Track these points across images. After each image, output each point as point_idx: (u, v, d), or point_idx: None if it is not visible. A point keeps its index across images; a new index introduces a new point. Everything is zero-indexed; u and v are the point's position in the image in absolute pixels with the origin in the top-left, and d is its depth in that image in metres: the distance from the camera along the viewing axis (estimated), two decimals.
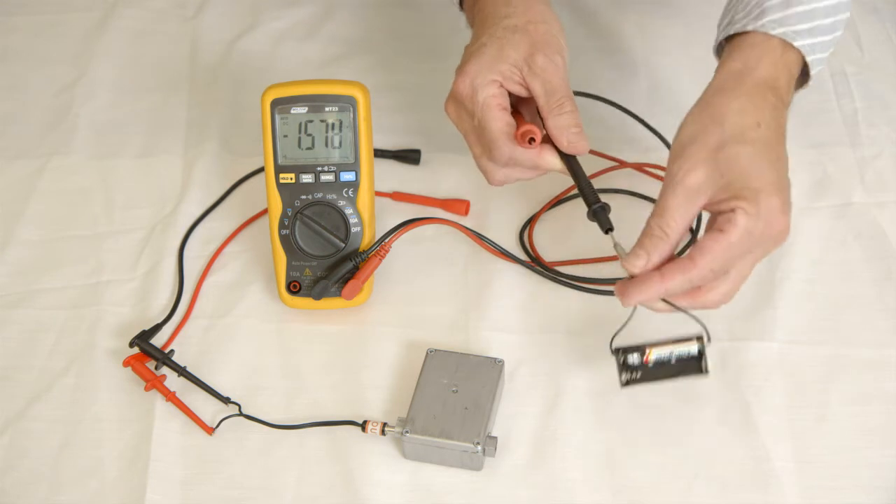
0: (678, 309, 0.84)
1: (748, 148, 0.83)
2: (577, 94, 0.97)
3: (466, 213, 1.04)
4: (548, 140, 0.92)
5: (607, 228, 0.87)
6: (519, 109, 0.95)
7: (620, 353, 0.85)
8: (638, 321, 0.86)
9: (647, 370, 0.85)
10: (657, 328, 0.86)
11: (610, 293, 0.97)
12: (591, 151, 1.03)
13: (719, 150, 0.83)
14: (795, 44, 0.88)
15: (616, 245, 0.85)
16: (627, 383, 0.85)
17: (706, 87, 0.88)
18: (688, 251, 0.83)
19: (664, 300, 0.84)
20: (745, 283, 0.85)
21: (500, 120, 0.91)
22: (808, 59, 0.89)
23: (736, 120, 0.84)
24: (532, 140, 0.90)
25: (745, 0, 0.90)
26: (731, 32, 0.90)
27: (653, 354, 0.85)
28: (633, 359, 0.85)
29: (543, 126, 0.91)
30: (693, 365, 0.85)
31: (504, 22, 0.94)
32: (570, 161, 0.91)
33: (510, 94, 0.93)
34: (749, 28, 0.88)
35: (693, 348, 0.85)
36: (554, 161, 0.92)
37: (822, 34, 0.89)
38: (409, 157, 1.10)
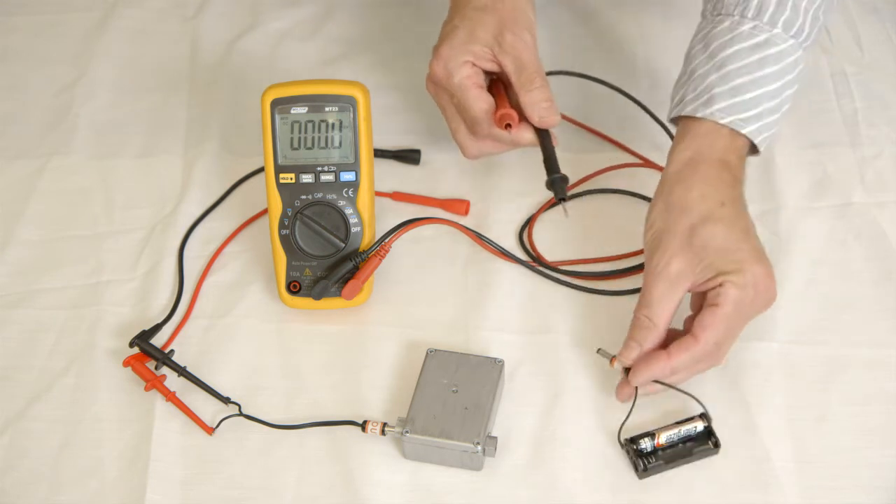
0: (672, 388, 0.87)
1: (719, 226, 0.87)
2: (576, 74, 1.06)
3: (466, 213, 1.04)
4: (524, 116, 0.96)
5: (561, 198, 0.93)
6: (497, 84, 0.99)
7: (631, 443, 0.86)
8: (639, 404, 0.88)
9: (662, 455, 0.85)
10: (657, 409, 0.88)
11: (610, 293, 0.97)
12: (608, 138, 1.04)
13: (693, 236, 0.87)
14: (743, 131, 0.91)
15: (600, 350, 0.90)
16: (646, 470, 0.85)
17: (662, 176, 0.92)
18: (690, 330, 0.87)
19: (658, 381, 0.87)
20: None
21: (479, 99, 0.96)
22: (756, 140, 0.92)
23: (700, 205, 0.88)
24: (509, 126, 0.95)
25: (695, 81, 0.93)
26: (683, 114, 0.93)
27: (662, 437, 0.86)
28: (646, 445, 0.86)
29: (518, 100, 0.96)
30: (704, 443, 0.86)
31: (473, 2, 0.98)
32: (541, 133, 0.96)
33: (486, 71, 0.97)
34: (699, 115, 0.91)
35: (700, 425, 0.86)
36: (529, 137, 0.97)
37: (769, 115, 0.92)
38: (409, 157, 1.10)
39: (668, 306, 0.87)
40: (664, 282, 0.87)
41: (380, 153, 1.09)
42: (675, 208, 0.89)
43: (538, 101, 0.95)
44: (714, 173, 0.90)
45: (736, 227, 0.88)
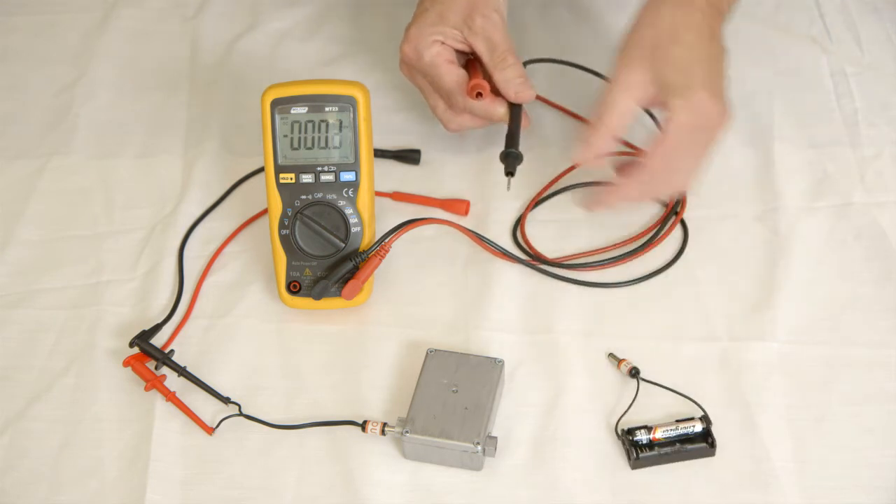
0: (671, 390, 0.89)
1: (679, 48, 0.91)
2: (557, 61, 1.11)
3: (466, 213, 1.04)
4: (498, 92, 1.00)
5: (508, 172, 0.97)
6: (472, 64, 1.03)
7: (627, 433, 0.86)
8: (640, 406, 0.88)
9: (656, 449, 0.86)
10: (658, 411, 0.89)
11: (609, 284, 0.97)
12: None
13: (655, 51, 0.91)
14: None
15: (611, 355, 0.93)
16: (638, 459, 0.85)
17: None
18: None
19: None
20: (703, 164, 0.94)
21: (451, 74, 1.01)
22: None
23: (667, 24, 0.92)
24: (480, 94, 0.99)
25: None
26: None
27: (659, 432, 0.86)
28: (641, 437, 0.86)
29: (492, 80, 1.00)
30: (700, 443, 0.86)
31: None
32: (513, 110, 1.00)
33: (458, 51, 1.02)
34: None
35: (698, 426, 0.86)
36: (502, 111, 1.01)
37: None
38: (410, 157, 1.10)
39: (617, 109, 0.91)
40: (619, 87, 0.92)
41: (380, 153, 1.09)
42: (645, 26, 0.93)
43: (512, 78, 1.00)
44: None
45: (698, 53, 0.91)
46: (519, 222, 1.03)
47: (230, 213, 1.06)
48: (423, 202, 1.06)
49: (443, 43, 1.01)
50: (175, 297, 0.99)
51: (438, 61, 1.01)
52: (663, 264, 0.99)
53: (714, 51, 0.93)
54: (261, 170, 1.08)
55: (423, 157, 1.10)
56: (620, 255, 1.00)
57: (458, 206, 1.05)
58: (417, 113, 1.14)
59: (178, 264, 1.01)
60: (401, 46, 1.02)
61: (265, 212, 1.02)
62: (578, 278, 0.98)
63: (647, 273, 0.99)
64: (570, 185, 1.06)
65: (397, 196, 1.06)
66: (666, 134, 0.90)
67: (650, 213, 1.04)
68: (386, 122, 1.10)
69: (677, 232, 1.02)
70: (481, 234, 1.00)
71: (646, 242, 1.01)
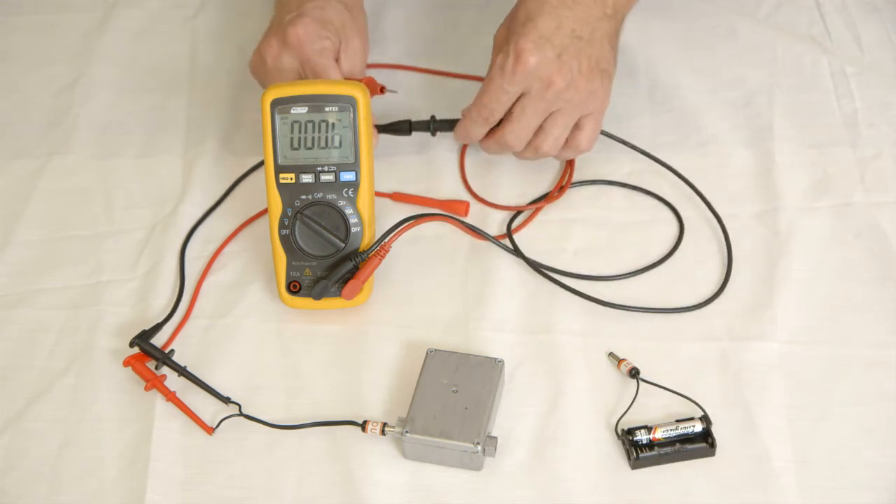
0: (671, 391, 0.89)
1: (532, 4, 0.97)
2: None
3: (466, 213, 1.04)
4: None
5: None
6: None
7: (627, 434, 0.86)
8: (640, 406, 0.88)
9: (656, 449, 0.86)
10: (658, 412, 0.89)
11: (605, 278, 0.97)
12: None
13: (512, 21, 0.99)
14: None
15: (611, 354, 0.93)
16: (638, 459, 0.85)
17: None
18: None
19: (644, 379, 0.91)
20: (533, 129, 0.99)
21: (335, 71, 1.02)
22: None
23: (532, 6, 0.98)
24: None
25: None
26: None
27: (659, 432, 0.86)
28: (641, 437, 0.86)
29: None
30: (700, 443, 0.86)
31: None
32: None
33: None
34: None
35: (698, 426, 0.86)
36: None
37: None
38: (400, 128, 1.09)
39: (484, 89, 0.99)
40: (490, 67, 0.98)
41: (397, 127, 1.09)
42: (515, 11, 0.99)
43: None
44: None
45: (550, 10, 0.96)
46: (514, 218, 1.03)
47: (230, 213, 1.06)
48: (423, 202, 1.06)
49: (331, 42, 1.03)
50: (176, 296, 0.99)
51: (329, 55, 1.02)
52: (658, 258, 1.00)
53: (576, 13, 0.97)
54: (260, 164, 1.08)
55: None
56: (624, 275, 1.00)
57: (458, 207, 1.04)
58: (417, 113, 1.14)
59: (179, 264, 1.01)
60: (286, 31, 1.01)
61: (265, 212, 1.02)
62: (564, 280, 0.99)
63: (644, 266, 0.99)
64: (577, 183, 1.06)
65: (397, 196, 1.06)
66: (487, 75, 0.97)
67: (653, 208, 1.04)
68: (386, 122, 1.10)
69: (674, 228, 1.02)
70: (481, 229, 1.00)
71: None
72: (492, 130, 1.02)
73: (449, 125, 1.07)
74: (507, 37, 0.98)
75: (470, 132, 1.02)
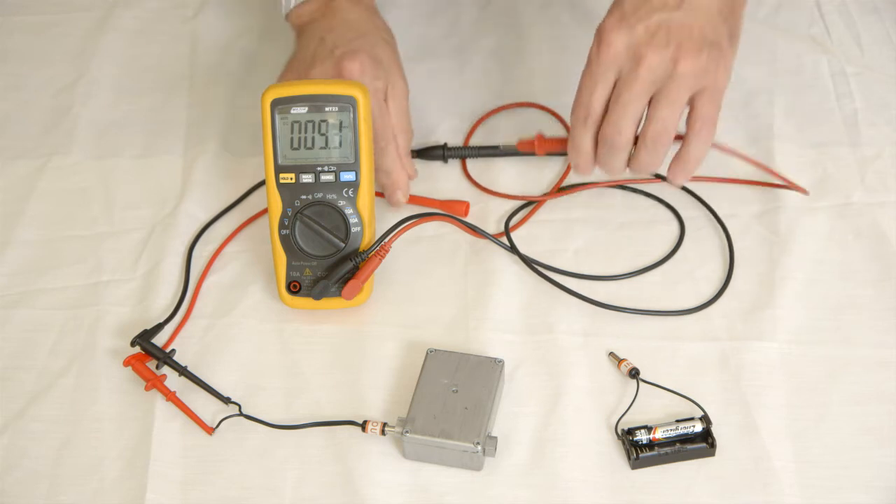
0: (670, 391, 0.88)
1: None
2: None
3: (466, 214, 1.04)
4: None
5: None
6: None
7: (627, 434, 0.86)
8: (640, 406, 0.88)
9: (656, 449, 0.85)
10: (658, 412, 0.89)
11: (605, 278, 0.97)
12: None
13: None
14: None
15: (612, 354, 0.93)
16: (637, 459, 0.85)
17: None
18: None
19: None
20: (635, 117, 0.90)
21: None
22: None
23: None
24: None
25: None
26: None
27: (659, 432, 0.86)
28: (641, 437, 0.86)
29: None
30: (700, 443, 0.86)
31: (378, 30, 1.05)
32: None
33: None
34: None
35: (698, 426, 0.86)
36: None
37: None
38: (434, 153, 1.09)
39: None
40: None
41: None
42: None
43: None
44: None
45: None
46: (511, 216, 1.03)
47: (230, 213, 1.06)
48: (422, 203, 1.05)
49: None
50: (178, 296, 0.99)
51: (379, 94, 0.99)
52: (659, 258, 1.00)
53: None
54: None
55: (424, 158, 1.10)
56: (623, 275, 1.00)
57: (458, 207, 1.04)
58: (416, 113, 1.14)
59: (185, 265, 1.01)
60: (331, 69, 0.99)
61: (265, 212, 1.02)
62: (573, 279, 0.99)
63: (644, 266, 0.99)
64: (570, 186, 1.06)
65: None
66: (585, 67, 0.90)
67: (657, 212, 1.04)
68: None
69: (674, 228, 1.02)
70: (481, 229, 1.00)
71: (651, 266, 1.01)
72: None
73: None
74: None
75: (577, 143, 0.93)
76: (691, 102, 0.90)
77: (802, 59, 1.18)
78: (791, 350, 0.92)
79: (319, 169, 0.94)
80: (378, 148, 0.99)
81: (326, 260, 0.95)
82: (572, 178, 1.06)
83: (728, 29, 0.91)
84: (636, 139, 0.92)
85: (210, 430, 0.89)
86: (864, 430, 0.87)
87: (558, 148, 1.00)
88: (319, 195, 0.95)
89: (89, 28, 1.27)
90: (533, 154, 1.03)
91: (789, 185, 1.01)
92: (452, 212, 1.04)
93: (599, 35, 0.89)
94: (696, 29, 0.88)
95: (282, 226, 0.95)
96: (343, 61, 0.99)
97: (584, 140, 0.93)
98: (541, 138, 1.01)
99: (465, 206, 1.05)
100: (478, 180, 1.08)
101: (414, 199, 1.06)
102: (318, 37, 1.03)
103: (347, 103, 0.93)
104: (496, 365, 0.90)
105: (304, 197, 0.95)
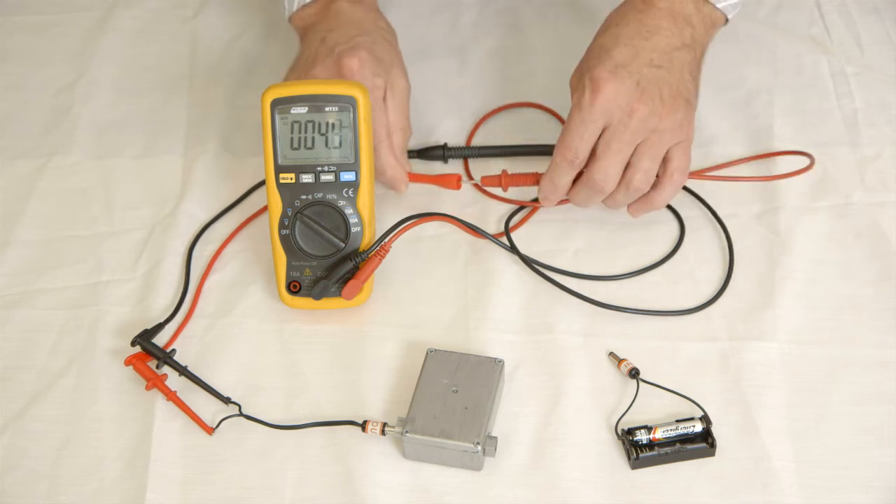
0: (671, 391, 0.89)
1: (607, 36, 0.95)
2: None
3: (458, 186, 1.03)
4: None
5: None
6: None
7: (627, 434, 0.86)
8: (640, 406, 0.89)
9: (656, 449, 0.86)
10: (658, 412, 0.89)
11: (604, 277, 0.97)
12: None
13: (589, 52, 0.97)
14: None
15: (612, 354, 0.93)
16: (637, 459, 0.85)
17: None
18: None
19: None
20: (622, 164, 0.94)
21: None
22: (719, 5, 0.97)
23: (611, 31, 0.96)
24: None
25: None
26: None
27: (659, 432, 0.86)
28: (641, 437, 0.86)
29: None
30: (700, 443, 0.86)
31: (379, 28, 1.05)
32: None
33: None
34: None
35: (698, 426, 0.86)
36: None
37: None
38: (434, 153, 1.09)
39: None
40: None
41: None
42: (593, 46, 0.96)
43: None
44: (651, 17, 0.95)
45: (626, 39, 0.93)
46: (508, 223, 1.03)
47: (229, 213, 1.06)
48: (415, 179, 1.04)
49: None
50: (179, 296, 0.99)
51: (378, 92, 1.00)
52: (659, 258, 1.00)
53: (653, 43, 0.94)
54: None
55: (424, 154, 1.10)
56: (624, 275, 1.00)
57: (449, 180, 1.04)
58: (417, 113, 1.14)
59: (185, 265, 1.01)
60: (330, 66, 1.00)
61: (264, 209, 1.02)
62: (573, 279, 0.99)
63: (644, 266, 0.99)
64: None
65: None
66: (567, 117, 0.93)
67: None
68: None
69: (675, 229, 1.02)
70: (480, 228, 1.00)
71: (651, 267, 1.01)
72: (577, 177, 0.96)
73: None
74: (582, 74, 0.95)
75: (556, 181, 0.96)
76: (667, 153, 0.95)
77: (802, 59, 1.18)
78: (791, 350, 0.92)
79: (319, 169, 0.94)
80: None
81: (326, 260, 0.95)
82: None
83: (695, 88, 0.97)
84: None
85: (210, 430, 0.89)
86: (864, 430, 0.87)
87: (522, 183, 1.02)
88: (319, 195, 0.95)
89: (89, 28, 1.27)
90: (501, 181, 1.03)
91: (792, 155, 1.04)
92: (445, 185, 1.04)
93: (594, 83, 0.92)
94: (675, 86, 0.94)
95: (282, 226, 0.95)
96: (343, 58, 0.99)
97: (565, 179, 0.96)
98: (505, 174, 1.02)
99: (457, 177, 1.04)
100: (478, 180, 1.08)
101: (413, 177, 1.05)
102: (320, 37, 1.03)
103: (347, 103, 0.93)
104: (496, 365, 0.90)
105: (304, 197, 0.95)
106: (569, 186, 0.97)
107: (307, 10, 1.07)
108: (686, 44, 0.96)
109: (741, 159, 1.06)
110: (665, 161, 0.95)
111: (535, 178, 1.00)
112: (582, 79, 0.94)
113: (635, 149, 0.94)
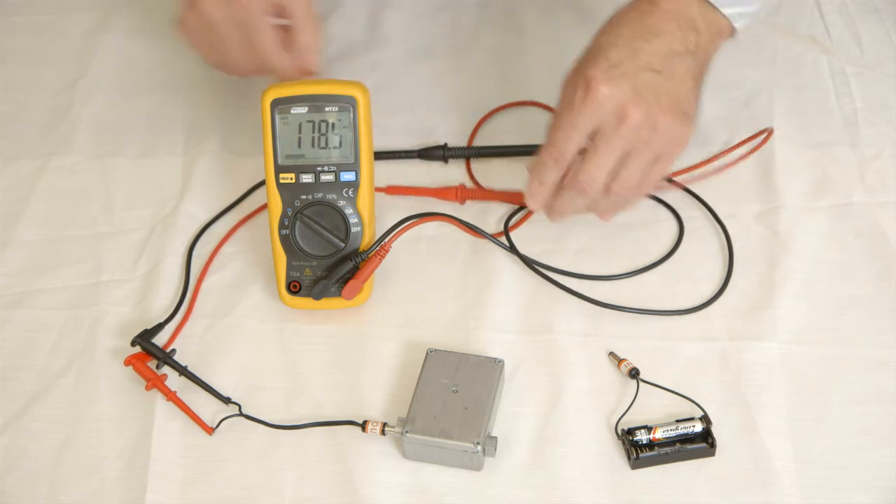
0: (671, 391, 0.89)
1: (606, 35, 0.91)
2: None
3: (461, 199, 1.04)
4: None
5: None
6: None
7: (627, 434, 0.86)
8: (640, 406, 0.89)
9: (656, 449, 0.86)
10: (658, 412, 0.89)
11: (604, 277, 0.97)
12: None
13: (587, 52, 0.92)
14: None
15: (612, 354, 0.93)
16: (637, 459, 0.85)
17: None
18: None
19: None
20: (607, 169, 0.90)
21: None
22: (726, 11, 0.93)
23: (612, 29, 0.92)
24: None
25: None
26: None
27: (659, 432, 0.86)
28: (641, 437, 0.86)
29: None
30: (700, 443, 0.86)
31: None
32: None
33: None
34: None
35: (698, 426, 0.86)
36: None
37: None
38: (434, 154, 1.09)
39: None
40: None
41: (404, 153, 1.09)
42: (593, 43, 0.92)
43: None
44: (652, 17, 0.91)
45: (625, 40, 0.90)
46: (507, 223, 1.03)
47: (230, 213, 1.06)
48: (417, 193, 1.05)
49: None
50: (179, 296, 0.99)
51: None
52: (658, 258, 1.00)
53: (654, 46, 0.90)
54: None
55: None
56: (622, 275, 1.00)
57: (451, 192, 1.04)
58: (417, 113, 1.14)
59: (185, 265, 1.01)
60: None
61: (263, 208, 1.02)
62: (573, 279, 0.99)
63: (644, 266, 0.99)
64: None
65: (391, 189, 1.06)
66: (555, 113, 0.90)
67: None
68: (386, 122, 1.10)
69: (674, 228, 1.02)
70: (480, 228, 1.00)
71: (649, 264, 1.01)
72: (562, 181, 0.93)
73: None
74: (577, 73, 0.90)
75: (542, 178, 0.92)
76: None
77: (802, 59, 1.18)
78: (791, 350, 0.92)
79: (319, 169, 0.94)
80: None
81: (326, 260, 0.95)
82: None
83: (696, 101, 0.93)
84: None
85: (210, 430, 0.89)
86: (864, 430, 0.87)
87: (480, 198, 1.04)
88: (319, 195, 0.95)
89: (89, 28, 1.27)
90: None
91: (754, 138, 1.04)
92: (446, 197, 1.04)
93: (586, 82, 0.88)
94: (674, 95, 0.89)
95: (282, 226, 0.95)
96: None
97: (551, 177, 0.92)
98: (462, 188, 1.03)
99: (460, 188, 1.04)
100: (479, 180, 1.08)
101: (407, 191, 1.05)
102: None
103: (347, 103, 0.94)
104: (496, 365, 0.90)
105: (304, 197, 0.95)
106: (555, 185, 0.94)
107: None
108: (689, 50, 0.92)
109: (707, 160, 1.06)
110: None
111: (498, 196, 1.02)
112: (576, 78, 0.90)
113: (624, 155, 0.90)
